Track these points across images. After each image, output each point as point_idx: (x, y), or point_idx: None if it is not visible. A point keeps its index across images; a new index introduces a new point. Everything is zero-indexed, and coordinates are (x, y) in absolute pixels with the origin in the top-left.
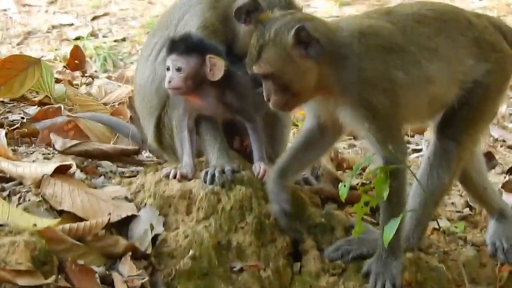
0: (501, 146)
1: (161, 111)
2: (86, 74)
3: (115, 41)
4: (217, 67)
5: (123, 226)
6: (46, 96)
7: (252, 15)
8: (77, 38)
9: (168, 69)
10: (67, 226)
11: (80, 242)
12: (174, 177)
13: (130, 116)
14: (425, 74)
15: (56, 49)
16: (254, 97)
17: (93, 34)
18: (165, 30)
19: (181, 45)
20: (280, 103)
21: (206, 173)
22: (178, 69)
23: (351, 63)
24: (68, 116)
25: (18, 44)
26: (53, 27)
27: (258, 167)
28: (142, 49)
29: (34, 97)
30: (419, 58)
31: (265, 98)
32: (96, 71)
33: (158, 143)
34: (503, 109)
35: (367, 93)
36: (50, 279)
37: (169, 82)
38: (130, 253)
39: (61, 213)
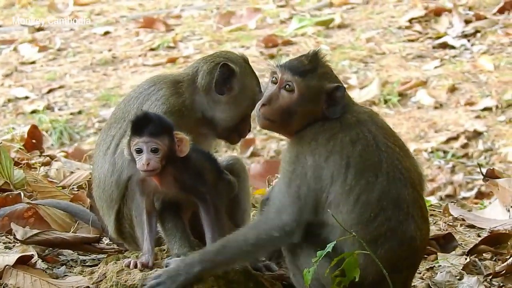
0: (461, 226)
1: (120, 202)
2: (43, 154)
3: (71, 114)
4: (183, 143)
5: None
6: (5, 182)
7: (231, 81)
8: (33, 112)
9: (139, 151)
10: None
11: None
12: (135, 266)
13: (90, 204)
14: None
15: (12, 128)
16: (213, 180)
17: (48, 107)
18: (123, 121)
19: (150, 125)
20: (271, 115)
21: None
22: (154, 150)
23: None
24: (28, 203)
25: None
26: (9, 100)
27: None
28: (97, 144)
29: None
30: None
31: (260, 103)
32: (52, 145)
33: (118, 234)
34: (459, 177)
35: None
36: None
37: (147, 164)
38: None
39: None
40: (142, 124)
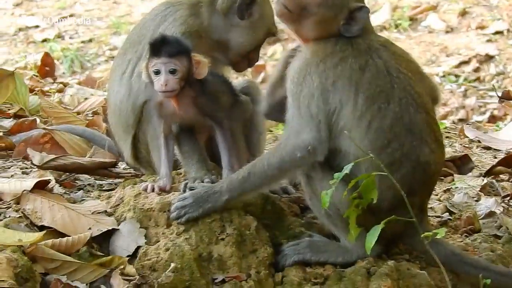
0: (477, 147)
1: (136, 127)
2: (57, 81)
3: (81, 42)
4: (201, 65)
5: (103, 240)
6: (21, 108)
7: (252, 6)
8: (44, 40)
9: (157, 73)
10: (49, 242)
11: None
12: (152, 190)
13: (106, 129)
14: None
15: (24, 55)
16: (229, 103)
17: (59, 36)
18: (139, 45)
19: (168, 47)
20: (290, 5)
21: (185, 185)
22: (172, 71)
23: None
24: (43, 129)
25: None
26: (20, 29)
27: (225, 175)
28: (112, 69)
29: (8, 110)
30: None
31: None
32: (64, 73)
33: (135, 159)
34: (472, 101)
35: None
36: None
37: (165, 85)
38: (120, 268)
39: (41, 228)
40: (160, 45)
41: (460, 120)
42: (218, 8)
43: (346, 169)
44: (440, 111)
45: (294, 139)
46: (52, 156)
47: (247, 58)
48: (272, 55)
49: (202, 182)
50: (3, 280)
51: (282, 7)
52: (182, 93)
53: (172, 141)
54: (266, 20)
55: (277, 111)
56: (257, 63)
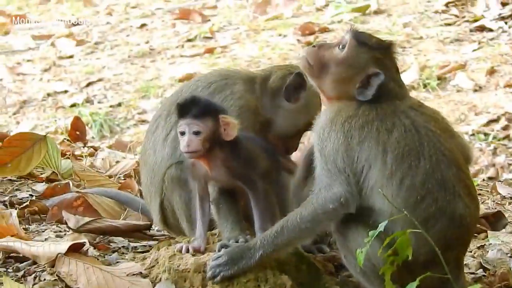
0: (509, 204)
1: (161, 193)
2: (87, 145)
3: (110, 106)
4: (230, 126)
5: None
6: (53, 172)
7: (300, 92)
8: (73, 105)
9: (183, 133)
10: None
11: None
12: (187, 251)
13: (139, 191)
14: None
15: (54, 120)
16: (266, 167)
17: (88, 101)
18: None
19: (194, 108)
20: (312, 59)
21: (221, 245)
22: (196, 133)
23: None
24: (77, 192)
25: (14, 114)
26: (48, 94)
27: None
28: (151, 130)
29: (41, 174)
30: None
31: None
32: (93, 137)
33: (164, 225)
34: (502, 159)
35: None
36: None
37: (188, 146)
38: None
39: None
40: (186, 106)
41: (490, 178)
42: (269, 87)
43: (381, 227)
44: (470, 169)
45: (325, 192)
46: (87, 219)
47: (285, 144)
48: None
49: (237, 241)
50: None
51: (305, 61)
52: (212, 154)
53: (207, 202)
54: (311, 109)
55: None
56: None
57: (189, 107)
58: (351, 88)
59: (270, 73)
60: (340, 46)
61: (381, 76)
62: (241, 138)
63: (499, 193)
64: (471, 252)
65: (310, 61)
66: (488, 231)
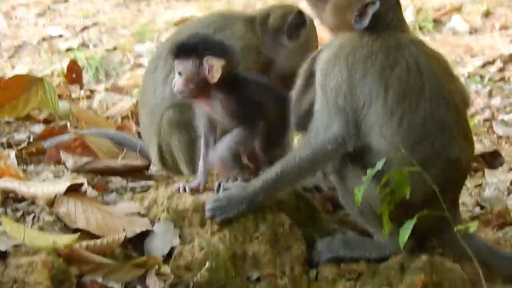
0: (506, 143)
1: (160, 134)
2: (84, 87)
3: (106, 50)
4: (215, 68)
5: (138, 242)
6: (50, 113)
7: (301, 30)
8: (68, 50)
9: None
10: (84, 244)
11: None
12: (185, 190)
13: (138, 132)
14: None
15: (50, 63)
16: (272, 112)
17: (83, 45)
18: None
19: (179, 49)
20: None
21: (219, 184)
22: (180, 73)
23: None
24: (74, 133)
25: (9, 58)
26: (43, 39)
27: (222, 173)
28: (151, 70)
29: (38, 115)
30: None
31: None
32: (89, 81)
33: (162, 165)
34: (497, 101)
35: None
36: None
37: (174, 85)
38: (156, 268)
39: (75, 231)
40: (175, 47)
41: (486, 120)
42: (269, 26)
43: (379, 165)
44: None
45: (324, 132)
46: (86, 160)
47: (285, 83)
48: None
49: (236, 180)
50: (39, 282)
51: None
52: (211, 96)
53: (212, 142)
54: (311, 46)
55: (306, 122)
56: None
57: (178, 48)
58: (350, 17)
59: (269, 13)
60: None
61: (377, 4)
62: (247, 81)
63: (496, 133)
64: (468, 190)
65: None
66: (485, 170)
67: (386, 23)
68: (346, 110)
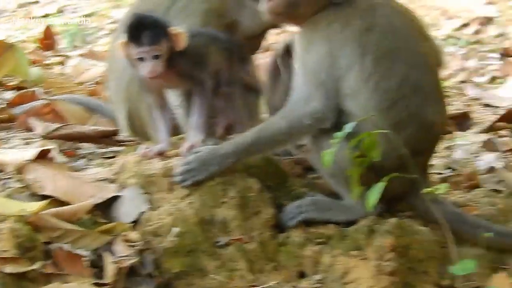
0: (477, 105)
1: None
2: (58, 53)
3: (83, 15)
4: (180, 37)
5: (106, 208)
6: (22, 80)
7: None
8: (45, 16)
9: (141, 59)
10: (52, 210)
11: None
12: (151, 154)
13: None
14: None
15: (25, 29)
16: (223, 60)
17: (60, 11)
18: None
19: (149, 33)
20: (277, 9)
21: (189, 148)
22: (156, 56)
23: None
24: (45, 99)
25: None
26: (20, 5)
27: (190, 137)
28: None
29: (10, 82)
30: None
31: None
32: (65, 48)
33: (131, 131)
34: (472, 63)
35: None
36: (36, 265)
37: (152, 71)
38: (123, 234)
39: (44, 198)
40: (139, 31)
41: (461, 82)
42: None
43: (348, 128)
44: (441, 73)
45: (303, 106)
46: (55, 126)
47: (251, 43)
48: None
49: (204, 145)
50: (5, 250)
51: (271, 15)
52: (166, 65)
53: (167, 110)
54: None
55: (281, 101)
56: None
57: (142, 32)
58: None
59: None
60: None
61: None
62: (189, 36)
63: (467, 95)
64: (438, 152)
65: (276, 11)
66: (455, 132)
67: None
68: (327, 83)
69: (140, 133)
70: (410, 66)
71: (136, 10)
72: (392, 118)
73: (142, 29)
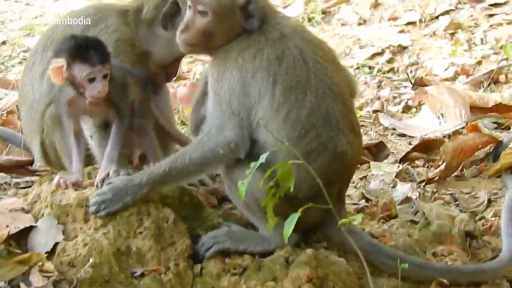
0: (392, 135)
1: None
2: None
3: None
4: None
5: (21, 238)
6: None
7: (176, 19)
8: None
9: (92, 80)
10: None
11: None
12: (65, 184)
13: (21, 128)
14: None
15: None
16: (138, 96)
17: None
18: None
19: (99, 53)
20: (191, 40)
21: (103, 179)
22: (105, 76)
23: (263, 49)
24: None
25: None
26: None
27: (103, 166)
28: (29, 66)
29: None
30: None
31: (179, 30)
32: None
33: (45, 161)
34: (386, 92)
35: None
36: None
37: (103, 91)
38: (39, 265)
39: None
40: (88, 51)
41: (375, 111)
42: (143, 18)
43: (262, 159)
44: (355, 102)
45: (216, 135)
46: None
47: (166, 72)
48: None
49: (118, 175)
50: None
51: (186, 46)
52: None
53: (82, 138)
54: None
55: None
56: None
57: (93, 53)
58: (239, 28)
59: (142, 4)
60: (200, 10)
61: (254, 0)
62: (113, 68)
63: (382, 124)
64: (353, 183)
65: (190, 43)
66: (370, 162)
67: (267, 17)
68: (240, 112)
69: (55, 163)
70: (321, 96)
71: (48, 40)
72: (303, 148)
73: (90, 49)
